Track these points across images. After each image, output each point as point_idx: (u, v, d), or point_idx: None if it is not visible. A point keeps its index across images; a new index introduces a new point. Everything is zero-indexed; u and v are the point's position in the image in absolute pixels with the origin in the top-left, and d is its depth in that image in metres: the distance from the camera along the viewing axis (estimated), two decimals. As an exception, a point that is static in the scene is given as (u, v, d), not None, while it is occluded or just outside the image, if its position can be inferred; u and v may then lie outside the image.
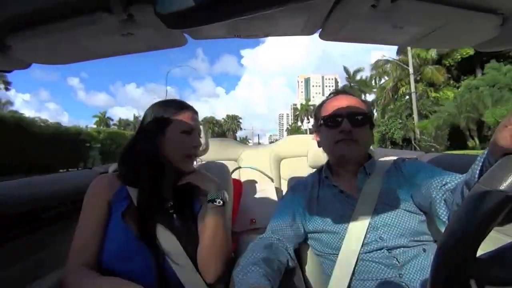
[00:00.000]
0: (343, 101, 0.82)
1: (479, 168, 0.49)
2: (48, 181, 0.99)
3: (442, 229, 0.75)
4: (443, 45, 0.77)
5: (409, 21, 0.64)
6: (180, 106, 0.78)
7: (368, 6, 0.58)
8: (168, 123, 0.74)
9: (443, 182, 0.66)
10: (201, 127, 0.83)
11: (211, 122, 54.37)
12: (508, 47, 0.75)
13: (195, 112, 0.80)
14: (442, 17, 0.63)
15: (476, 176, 0.50)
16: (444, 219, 0.65)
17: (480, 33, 0.68)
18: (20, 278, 0.77)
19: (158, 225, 0.68)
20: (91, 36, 0.64)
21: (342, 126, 0.78)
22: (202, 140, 1.02)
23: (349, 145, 0.78)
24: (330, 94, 0.91)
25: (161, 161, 0.74)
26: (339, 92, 0.88)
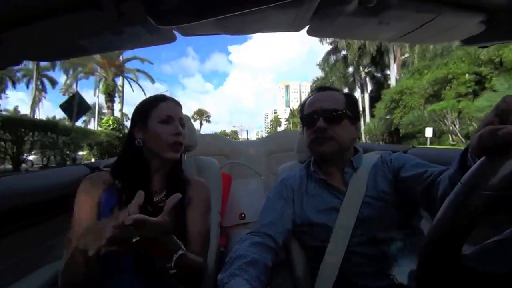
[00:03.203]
0: (321, 99, 0.83)
1: (461, 162, 0.50)
2: (39, 176, 1.00)
3: (428, 221, 0.77)
4: (429, 40, 0.77)
5: (396, 17, 0.64)
6: (157, 98, 0.80)
7: (355, 2, 0.59)
8: (148, 116, 0.77)
9: (428, 174, 0.67)
10: (182, 117, 0.82)
11: (203, 114, 54.29)
12: (495, 42, 0.76)
13: (176, 103, 0.81)
14: (428, 13, 0.63)
15: (459, 170, 0.50)
16: (429, 212, 0.67)
17: (466, 28, 0.69)
18: (16, 271, 0.79)
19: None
20: (82, 33, 0.65)
21: (317, 125, 0.79)
22: (190, 130, 1.03)
23: (324, 143, 0.80)
24: (311, 92, 0.92)
25: (147, 155, 0.77)
26: (319, 89, 0.88)
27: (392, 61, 19.15)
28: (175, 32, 0.69)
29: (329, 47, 21.00)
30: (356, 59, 19.52)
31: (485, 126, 0.36)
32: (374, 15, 0.64)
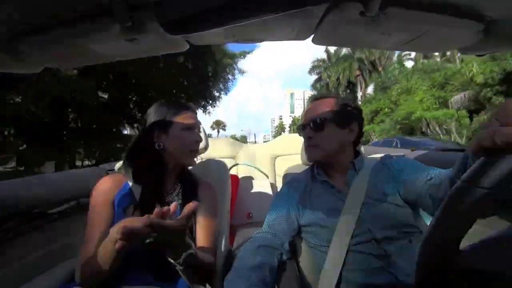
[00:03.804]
0: (310, 109, 0.88)
1: (462, 165, 0.52)
2: (56, 179, 1.03)
3: (428, 222, 0.79)
4: (429, 49, 0.80)
5: (396, 27, 0.67)
6: (180, 106, 0.84)
7: (357, 13, 0.62)
8: (171, 123, 0.80)
9: (428, 177, 0.70)
10: (200, 125, 0.89)
11: (220, 124, 61.18)
12: (492, 50, 0.79)
13: (194, 111, 0.86)
14: (427, 23, 0.66)
15: (460, 173, 0.51)
16: (429, 212, 0.69)
17: (464, 37, 0.72)
18: (33, 267, 0.81)
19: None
20: (98, 41, 0.68)
21: (305, 133, 0.87)
22: (202, 136, 1.07)
23: (310, 150, 0.87)
24: (310, 99, 0.95)
25: (164, 159, 0.80)
26: (314, 99, 0.92)
27: (358, 89, 26.14)
28: (187, 41, 0.72)
29: (316, 76, 28.86)
30: (334, 87, 25.97)
31: (486, 128, 0.37)
32: (376, 25, 0.66)
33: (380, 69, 23.70)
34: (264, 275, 0.67)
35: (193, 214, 0.74)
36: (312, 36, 0.72)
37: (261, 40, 0.75)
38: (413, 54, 19.65)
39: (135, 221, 0.52)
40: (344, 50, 26.04)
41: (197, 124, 0.85)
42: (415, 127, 12.99)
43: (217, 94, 10.39)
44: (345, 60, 25.98)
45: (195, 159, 0.86)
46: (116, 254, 0.58)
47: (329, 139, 0.84)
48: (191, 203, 0.57)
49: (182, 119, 0.81)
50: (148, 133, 0.80)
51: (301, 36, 0.72)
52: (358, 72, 25.31)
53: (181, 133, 0.81)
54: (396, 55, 22.03)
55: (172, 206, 0.55)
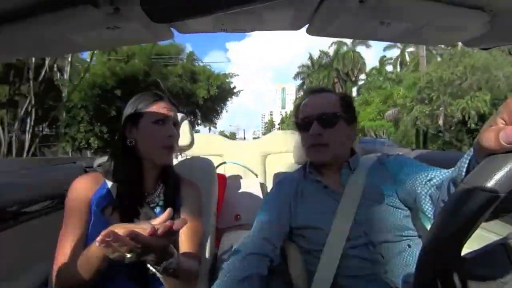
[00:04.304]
0: (314, 102, 0.82)
1: (466, 166, 0.49)
2: (32, 176, 0.99)
3: (427, 225, 0.76)
4: (430, 42, 0.77)
5: (397, 17, 0.64)
6: (153, 96, 0.76)
7: (356, 1, 0.58)
8: (141, 115, 0.73)
9: (428, 178, 0.66)
10: (177, 117, 0.80)
11: (212, 122, 61.93)
12: (496, 44, 0.76)
13: (171, 102, 0.78)
14: (429, 13, 0.63)
15: (463, 174, 0.49)
16: (429, 215, 0.65)
17: (468, 30, 0.68)
18: (5, 270, 0.78)
19: (139, 220, 0.67)
20: (77, 30, 0.64)
21: (312, 130, 0.77)
22: (186, 131, 1.02)
23: (319, 151, 0.79)
24: (305, 93, 0.90)
25: (139, 156, 0.74)
26: (312, 92, 0.87)
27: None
28: (172, 29, 0.68)
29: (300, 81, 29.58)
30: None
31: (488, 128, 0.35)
32: (375, 15, 0.63)
33: (353, 79, 25.97)
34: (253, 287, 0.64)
35: (176, 217, 0.71)
36: (307, 26, 0.68)
37: (251, 30, 0.72)
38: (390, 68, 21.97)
39: (119, 228, 0.49)
40: (325, 60, 27.11)
41: (171, 116, 0.75)
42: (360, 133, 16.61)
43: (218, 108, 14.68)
44: (325, 68, 27.03)
45: (179, 156, 0.81)
46: (99, 263, 0.55)
47: (340, 137, 0.78)
48: (166, 213, 0.53)
49: (152, 110, 0.73)
50: (122, 128, 0.75)
51: (294, 26, 0.69)
52: (336, 80, 26.54)
53: (152, 127, 0.72)
54: (368, 69, 25.00)
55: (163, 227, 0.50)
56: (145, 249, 0.49)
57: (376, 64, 23.87)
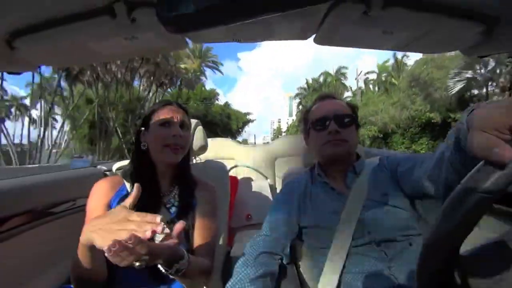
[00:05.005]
0: (330, 105, 0.87)
1: (454, 138, 0.48)
2: (54, 179, 1.02)
3: (427, 223, 0.79)
4: (431, 50, 0.80)
5: (399, 27, 0.66)
6: (163, 102, 0.82)
7: (360, 12, 0.61)
8: (150, 119, 0.78)
9: (421, 161, 0.71)
10: (193, 123, 0.86)
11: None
12: (494, 52, 0.78)
13: (179, 106, 0.82)
14: (429, 23, 0.66)
15: (452, 146, 0.49)
16: (432, 193, 0.65)
17: (466, 39, 0.71)
18: (30, 269, 0.80)
19: None
20: (96, 39, 0.67)
21: (330, 128, 0.83)
22: (200, 136, 1.06)
23: (338, 144, 0.83)
24: (316, 99, 0.95)
25: (152, 159, 0.78)
26: (325, 97, 0.92)
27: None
28: (187, 39, 0.71)
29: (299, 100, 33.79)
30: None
31: (490, 125, 0.34)
32: (378, 25, 0.66)
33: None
34: (266, 285, 0.67)
35: (191, 217, 0.73)
36: (314, 36, 0.71)
37: (262, 40, 0.74)
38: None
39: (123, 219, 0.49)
40: (317, 85, 32.26)
41: (176, 118, 0.79)
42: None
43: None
44: (317, 91, 30.74)
45: (193, 160, 0.84)
46: (91, 254, 0.55)
47: (354, 137, 0.86)
48: (178, 224, 0.52)
49: (159, 114, 0.78)
50: (137, 133, 0.80)
51: (302, 36, 0.72)
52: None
53: (158, 129, 0.77)
54: (349, 91, 29.79)
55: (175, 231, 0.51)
56: (152, 257, 0.50)
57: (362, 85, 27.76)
